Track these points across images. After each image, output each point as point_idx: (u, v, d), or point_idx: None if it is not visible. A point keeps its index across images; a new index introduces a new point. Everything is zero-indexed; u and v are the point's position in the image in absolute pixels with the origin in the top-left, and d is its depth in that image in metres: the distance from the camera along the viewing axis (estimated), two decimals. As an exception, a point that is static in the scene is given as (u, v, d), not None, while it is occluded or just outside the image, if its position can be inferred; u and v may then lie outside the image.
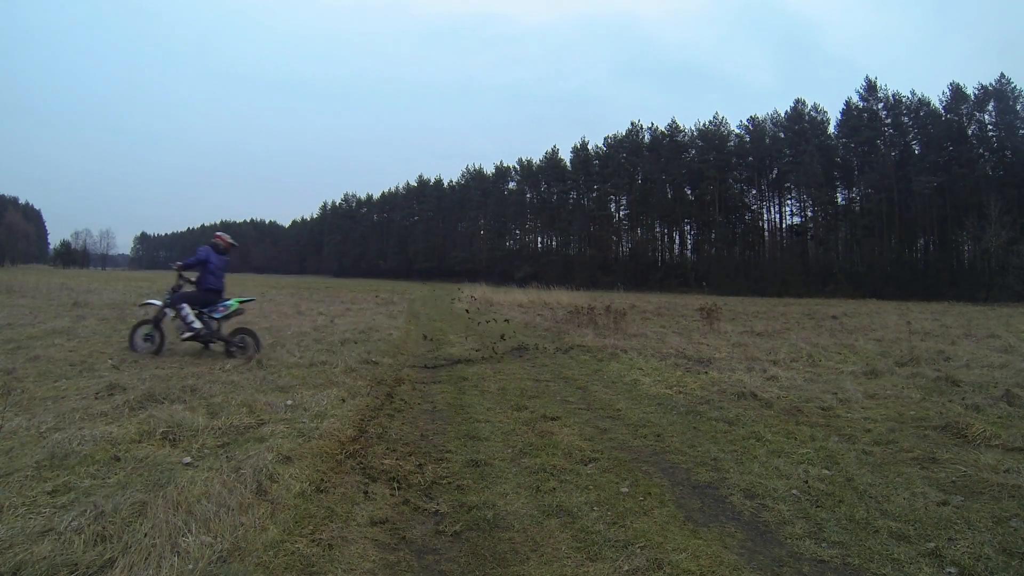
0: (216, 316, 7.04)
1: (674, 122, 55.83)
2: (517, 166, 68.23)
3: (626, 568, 2.26)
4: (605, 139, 60.60)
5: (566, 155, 63.25)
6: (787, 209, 51.11)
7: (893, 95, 44.44)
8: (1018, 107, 38.95)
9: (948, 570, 2.22)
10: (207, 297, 7.07)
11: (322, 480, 3.04)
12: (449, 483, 3.17)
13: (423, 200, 76.47)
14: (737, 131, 52.81)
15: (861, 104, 45.64)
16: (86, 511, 2.42)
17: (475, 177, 71.88)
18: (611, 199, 59.05)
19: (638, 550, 2.39)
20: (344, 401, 4.71)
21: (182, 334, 6.80)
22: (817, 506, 2.85)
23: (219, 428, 3.76)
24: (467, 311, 14.02)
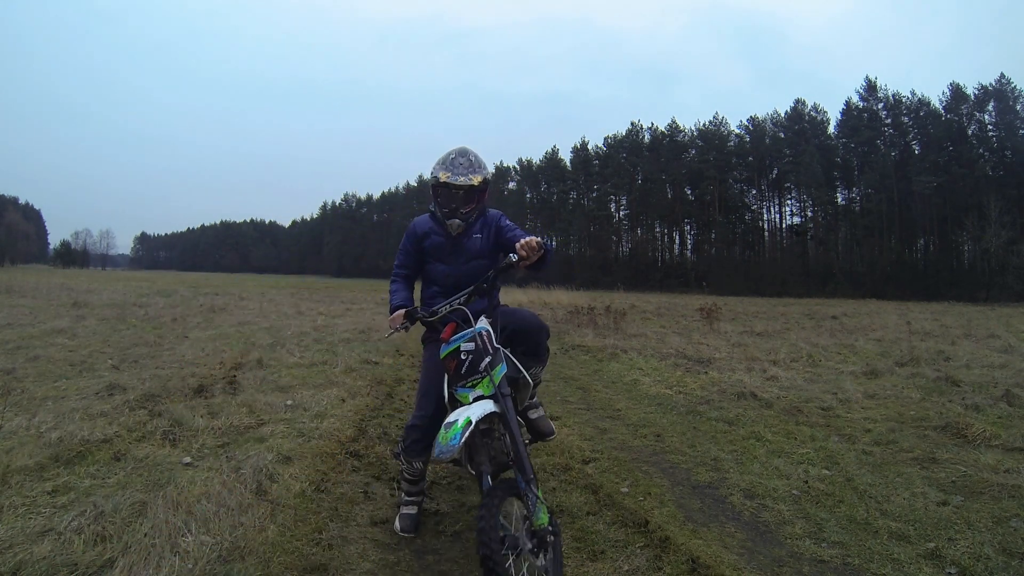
0: None
1: (674, 122, 55.85)
2: (517, 166, 68.24)
3: (626, 568, 2.26)
4: (605, 139, 60.62)
5: (566, 155, 63.30)
6: (787, 209, 51.15)
7: (893, 95, 44.49)
8: (1018, 107, 38.98)
9: (948, 570, 2.22)
10: None
11: (322, 480, 3.04)
12: (449, 483, 3.18)
13: (423, 200, 76.20)
14: (737, 131, 52.83)
15: (861, 104, 45.67)
16: (86, 511, 2.42)
17: (475, 177, 71.79)
18: (611, 199, 59.04)
19: (638, 550, 2.39)
20: (344, 401, 4.71)
21: None
22: (817, 506, 2.85)
23: (219, 428, 3.76)
24: None
